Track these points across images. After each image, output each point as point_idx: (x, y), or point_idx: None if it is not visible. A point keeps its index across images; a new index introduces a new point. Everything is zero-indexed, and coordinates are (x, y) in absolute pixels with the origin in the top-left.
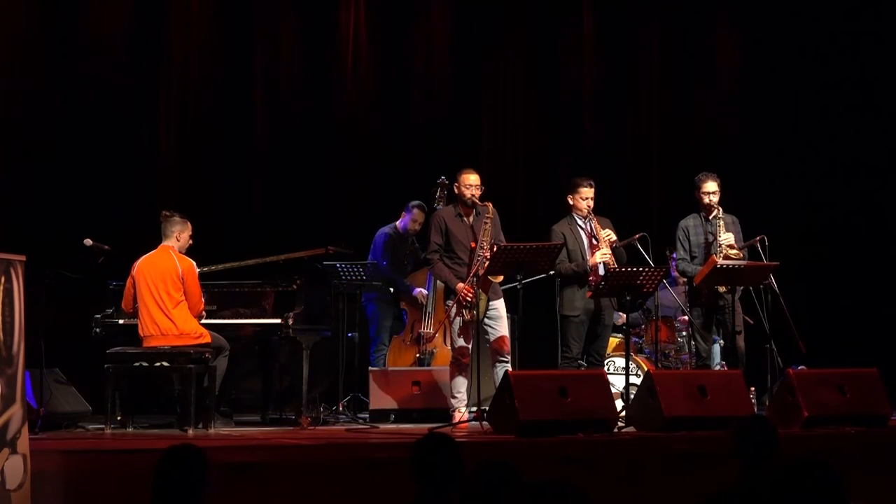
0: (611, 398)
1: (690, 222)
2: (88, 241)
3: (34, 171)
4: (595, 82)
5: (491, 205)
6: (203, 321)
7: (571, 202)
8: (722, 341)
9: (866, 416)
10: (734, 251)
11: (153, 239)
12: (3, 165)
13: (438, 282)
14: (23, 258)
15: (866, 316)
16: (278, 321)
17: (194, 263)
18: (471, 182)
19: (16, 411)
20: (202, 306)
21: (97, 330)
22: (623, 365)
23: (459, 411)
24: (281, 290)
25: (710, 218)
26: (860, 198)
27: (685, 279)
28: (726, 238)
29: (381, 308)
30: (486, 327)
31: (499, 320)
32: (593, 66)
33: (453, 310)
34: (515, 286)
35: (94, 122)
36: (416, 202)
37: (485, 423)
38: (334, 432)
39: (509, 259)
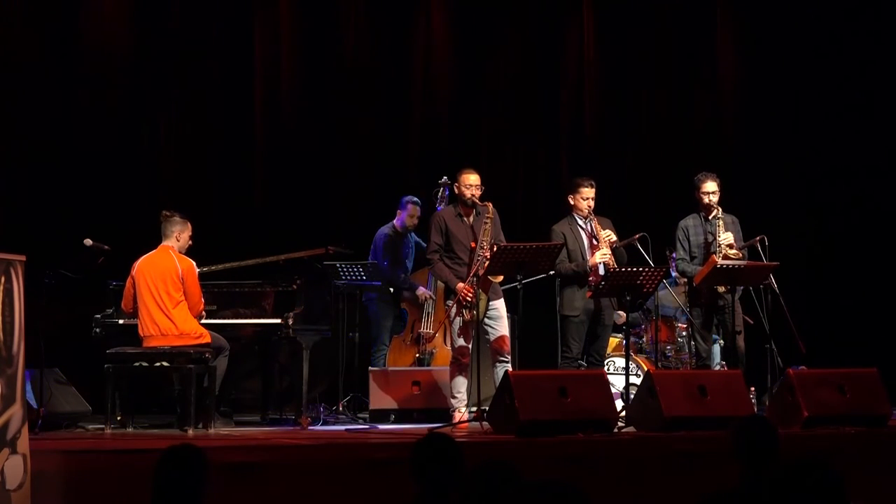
0: (611, 398)
1: (690, 222)
2: (88, 241)
3: (34, 171)
4: (595, 82)
5: (491, 205)
6: (203, 321)
7: (572, 202)
8: (722, 341)
9: (866, 416)
10: (733, 251)
11: (153, 239)
12: (3, 165)
13: (439, 282)
14: (23, 258)
15: (866, 316)
16: (278, 321)
17: (194, 263)
18: (471, 182)
19: (16, 411)
20: (202, 306)
21: (97, 330)
22: (623, 365)
23: (459, 411)
24: (281, 290)
25: (710, 218)
26: (860, 198)
27: (685, 280)
28: (726, 238)
29: (382, 308)
30: (486, 327)
31: (499, 320)
32: (593, 65)
33: (453, 310)
34: (515, 286)
35: (95, 122)
36: (408, 197)
37: (485, 423)
38: (334, 432)
39: (509, 259)
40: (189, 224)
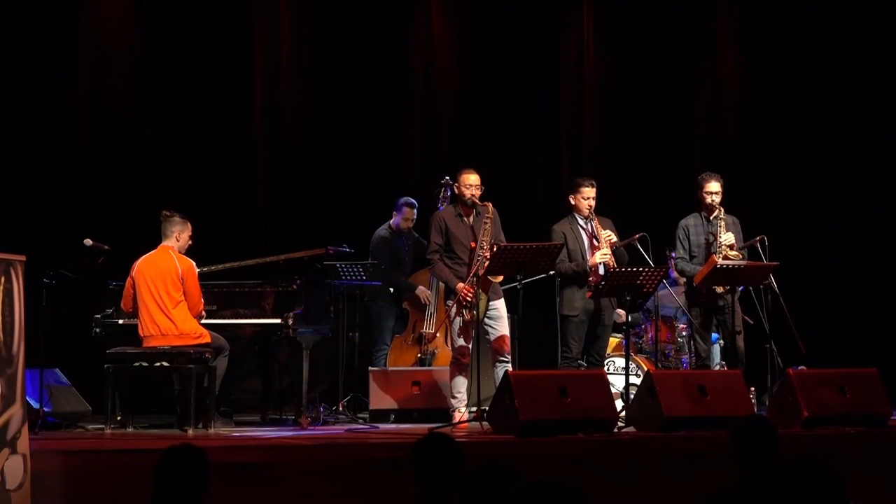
0: (611, 398)
1: (691, 222)
2: (88, 241)
3: (34, 171)
4: (595, 82)
5: (491, 205)
6: (203, 321)
7: (573, 202)
8: (722, 341)
9: (866, 415)
10: (734, 252)
11: (153, 239)
12: (3, 165)
13: (440, 282)
14: (23, 258)
15: (866, 316)
16: (278, 321)
17: (194, 263)
18: (471, 182)
19: (16, 411)
20: (202, 306)
21: (97, 330)
22: (623, 365)
23: (459, 411)
24: (281, 290)
25: (711, 218)
26: (860, 197)
27: (685, 279)
28: (727, 238)
29: (383, 308)
30: (486, 327)
31: (499, 320)
32: (593, 65)
33: (453, 310)
34: (515, 286)
35: (94, 122)
36: (404, 199)
37: (485, 423)
38: (334, 432)
39: (509, 259)
40: (189, 224)
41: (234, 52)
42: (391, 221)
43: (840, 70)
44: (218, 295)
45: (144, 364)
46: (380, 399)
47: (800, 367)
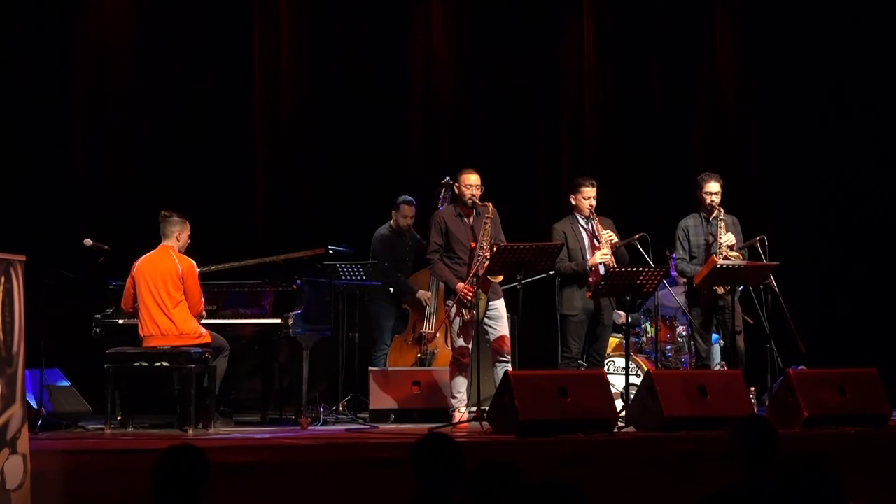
0: (611, 398)
1: (691, 222)
2: (88, 241)
3: (34, 172)
4: (595, 82)
5: (491, 205)
6: (203, 321)
7: (573, 202)
8: (722, 341)
9: (866, 416)
10: (734, 252)
11: (153, 239)
12: (3, 165)
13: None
14: (23, 258)
15: (866, 316)
16: (278, 321)
17: (194, 263)
18: (471, 182)
19: (16, 411)
20: (202, 306)
21: (97, 330)
22: (623, 365)
23: (459, 411)
24: (281, 290)
25: (711, 219)
26: (860, 197)
27: (685, 279)
28: (727, 239)
29: (383, 308)
30: (486, 327)
31: (499, 320)
32: (593, 65)
33: (453, 310)
34: (515, 286)
35: (94, 122)
36: (402, 197)
37: (485, 423)
38: (334, 432)
39: (509, 259)
40: (188, 223)
41: (234, 52)
42: (391, 221)
43: (840, 70)
44: (218, 295)
45: (144, 364)
46: (380, 399)
47: (800, 367)
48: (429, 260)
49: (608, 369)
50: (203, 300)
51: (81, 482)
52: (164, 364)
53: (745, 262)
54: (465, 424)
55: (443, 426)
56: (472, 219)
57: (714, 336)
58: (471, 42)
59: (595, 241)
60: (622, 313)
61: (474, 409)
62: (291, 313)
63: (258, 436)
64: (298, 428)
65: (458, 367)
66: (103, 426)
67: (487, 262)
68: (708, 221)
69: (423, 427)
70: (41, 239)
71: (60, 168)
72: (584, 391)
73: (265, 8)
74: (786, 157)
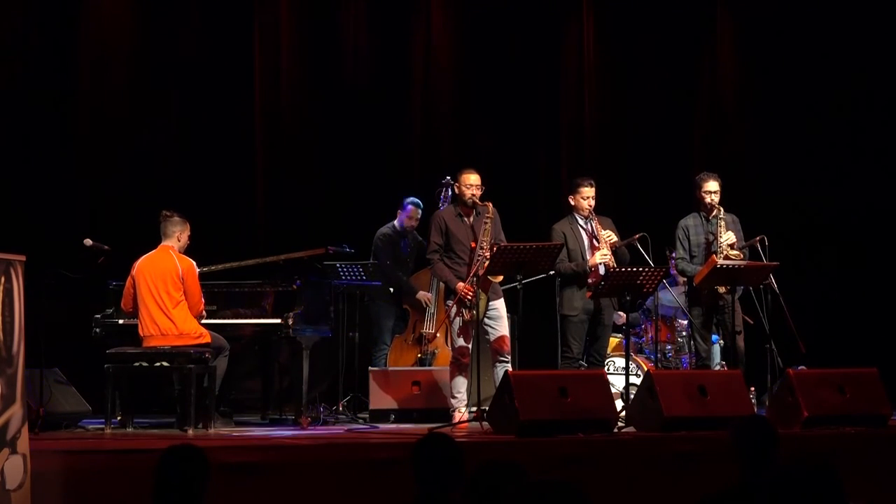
0: (611, 398)
1: (690, 222)
2: (88, 241)
3: (34, 171)
4: (595, 82)
5: (491, 204)
6: (203, 321)
7: (573, 202)
8: (722, 341)
9: (866, 416)
10: (735, 251)
11: (153, 239)
12: (3, 165)
13: (440, 282)
14: (23, 258)
15: (866, 316)
16: (278, 321)
17: (194, 263)
18: (471, 182)
19: (16, 411)
20: (202, 306)
21: (97, 330)
22: (623, 365)
23: (459, 411)
24: (281, 290)
25: (711, 218)
26: (860, 197)
27: (685, 279)
28: (727, 238)
29: (383, 308)
30: (486, 327)
31: (499, 320)
32: (593, 65)
33: (453, 309)
34: (515, 286)
35: (94, 122)
36: (411, 199)
37: (485, 423)
38: (334, 432)
39: (509, 259)
40: (188, 224)
41: (234, 51)
42: (395, 222)
43: (840, 69)
44: (218, 295)
45: (144, 364)
46: (380, 399)
47: (800, 367)
48: (429, 260)
49: (608, 369)
50: (203, 300)
51: (81, 482)
52: (164, 364)
53: (745, 262)
54: (465, 424)
55: (443, 426)
56: (472, 218)
57: (714, 336)
58: (471, 42)
59: (595, 241)
60: (623, 314)
61: (474, 409)
62: (291, 313)
63: (258, 436)
64: (298, 428)
65: (458, 367)
66: (103, 426)
67: (487, 262)
68: (708, 220)
69: (423, 427)
70: (41, 239)
71: (60, 168)
72: (584, 391)
73: (265, 7)
74: (786, 156)
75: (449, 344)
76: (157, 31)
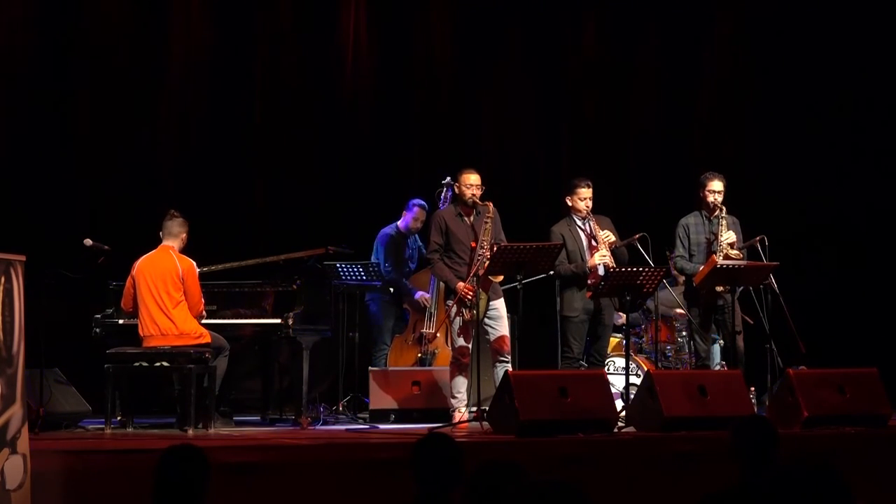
0: (611, 398)
1: (691, 220)
2: (88, 241)
3: (34, 171)
4: (596, 82)
5: (491, 204)
6: (203, 321)
7: (570, 203)
8: (722, 341)
9: (866, 416)
10: (735, 251)
11: (153, 239)
12: (3, 165)
13: (441, 282)
14: (23, 258)
15: (866, 316)
16: (278, 321)
17: (194, 263)
18: (471, 182)
19: (16, 411)
20: (202, 306)
21: (97, 330)
22: (623, 365)
23: (459, 411)
24: (281, 290)
25: (712, 217)
26: (860, 197)
27: (684, 278)
28: (728, 237)
29: (383, 308)
30: (486, 327)
31: (499, 320)
32: (594, 65)
33: (453, 309)
34: (515, 286)
35: (94, 122)
36: (417, 201)
37: (485, 423)
38: (334, 432)
39: (509, 259)
40: (188, 224)
41: (234, 51)
42: (399, 222)
43: (841, 68)
44: (218, 295)
45: (144, 364)
46: (380, 399)
47: (800, 367)
48: (429, 259)
49: (608, 369)
50: (203, 300)
51: (81, 482)
52: (164, 364)
53: (745, 262)
54: (465, 424)
55: (443, 426)
56: (472, 218)
57: (713, 336)
58: (472, 41)
59: (593, 241)
60: (623, 315)
61: (474, 409)
62: (291, 313)
63: (258, 436)
64: (298, 428)
65: (458, 366)
66: (103, 426)
67: (488, 262)
68: (709, 220)
69: (423, 427)
70: (41, 239)
71: (60, 168)
72: (584, 391)
73: (266, 7)
74: (786, 156)
75: (449, 344)
76: (158, 30)
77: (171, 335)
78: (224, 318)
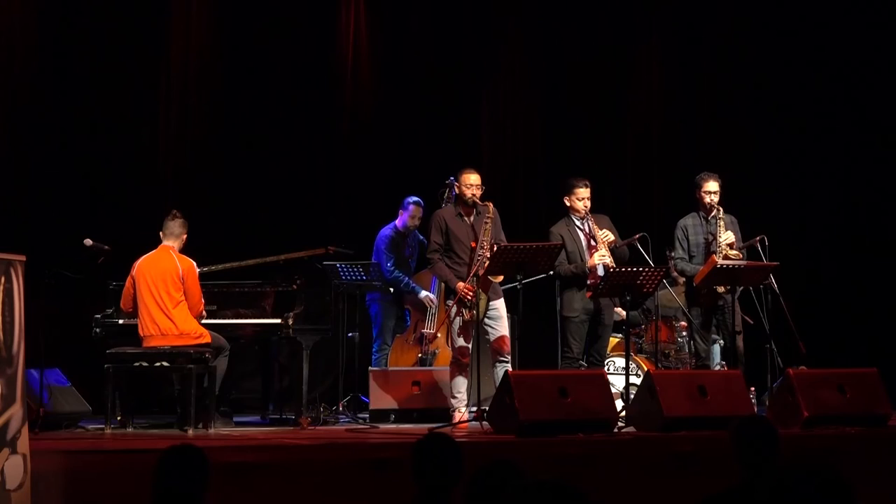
0: (611, 398)
1: (689, 221)
2: (88, 241)
3: (34, 171)
4: (595, 82)
5: (491, 204)
6: (203, 321)
7: (568, 203)
8: (722, 341)
9: (866, 416)
10: (734, 251)
11: (153, 239)
12: (3, 165)
13: (441, 282)
14: (23, 258)
15: (866, 316)
16: (278, 321)
17: (194, 263)
18: (471, 182)
19: (16, 411)
20: (202, 306)
21: (97, 330)
22: (623, 365)
23: (459, 411)
24: (281, 290)
25: (710, 218)
26: (861, 197)
27: (684, 279)
28: (727, 237)
29: (384, 308)
30: (486, 327)
31: (499, 320)
32: (593, 65)
33: (453, 309)
34: (515, 286)
35: (95, 122)
36: (412, 198)
37: (485, 423)
38: (334, 432)
39: (509, 259)
40: (187, 225)
41: (234, 51)
42: (396, 221)
43: (841, 68)
44: (218, 295)
45: (144, 364)
46: (380, 399)
47: (800, 367)
48: (429, 259)
49: (608, 369)
50: (203, 300)
51: (81, 482)
52: (164, 364)
53: (745, 262)
54: (465, 424)
55: (443, 426)
56: (472, 218)
57: (713, 336)
58: (471, 40)
59: (592, 241)
60: (622, 311)
61: (474, 409)
62: (291, 313)
63: (258, 436)
64: (298, 428)
65: (458, 366)
66: (103, 426)
67: (487, 262)
68: (707, 221)
69: (423, 427)
70: (41, 239)
71: (60, 168)
72: (584, 391)
73: (266, 7)
74: (786, 156)
75: (449, 344)
76: (157, 30)
77: (172, 335)
78: (224, 318)
